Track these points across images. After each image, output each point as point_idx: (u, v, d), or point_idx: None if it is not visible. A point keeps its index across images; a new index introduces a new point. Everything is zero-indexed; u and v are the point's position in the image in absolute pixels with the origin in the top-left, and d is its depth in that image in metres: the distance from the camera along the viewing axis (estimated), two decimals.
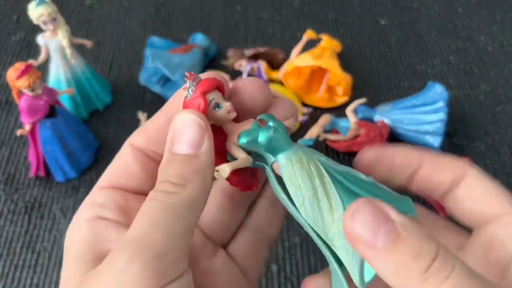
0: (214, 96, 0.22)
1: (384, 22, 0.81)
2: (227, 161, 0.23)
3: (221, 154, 0.23)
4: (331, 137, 0.62)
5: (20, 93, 0.52)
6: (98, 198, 0.22)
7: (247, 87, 0.24)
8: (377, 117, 0.62)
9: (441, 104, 0.60)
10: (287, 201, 0.22)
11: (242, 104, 0.23)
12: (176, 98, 0.23)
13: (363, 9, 0.83)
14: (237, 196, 0.26)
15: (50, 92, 0.54)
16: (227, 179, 0.22)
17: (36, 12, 0.55)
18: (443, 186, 0.24)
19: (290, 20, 0.80)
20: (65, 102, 0.62)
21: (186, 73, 0.23)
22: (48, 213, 0.56)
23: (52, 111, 0.55)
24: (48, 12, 0.55)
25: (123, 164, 0.23)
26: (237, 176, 0.23)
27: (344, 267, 0.21)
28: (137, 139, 0.23)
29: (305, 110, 0.66)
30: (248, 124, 0.23)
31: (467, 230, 0.24)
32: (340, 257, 0.21)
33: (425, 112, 0.60)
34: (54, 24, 0.56)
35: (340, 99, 0.67)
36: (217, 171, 0.22)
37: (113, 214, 0.22)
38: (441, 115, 0.59)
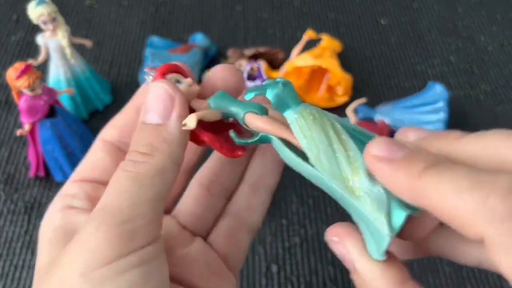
0: (173, 76, 0.23)
1: (384, 22, 0.81)
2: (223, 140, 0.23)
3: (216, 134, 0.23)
4: None
5: (20, 93, 0.52)
6: (70, 190, 0.23)
7: (217, 72, 0.24)
8: (377, 117, 0.62)
9: (441, 104, 0.60)
10: (296, 159, 0.21)
11: (214, 89, 0.23)
12: (144, 90, 0.23)
13: (363, 9, 0.83)
14: (213, 187, 0.26)
15: (50, 92, 0.54)
16: (210, 143, 0.22)
17: (35, 12, 0.55)
18: None
19: (290, 20, 0.80)
20: (65, 102, 0.62)
21: (146, 68, 0.23)
22: None
23: (52, 111, 0.55)
24: (47, 12, 0.55)
25: (94, 158, 0.24)
26: (219, 139, 0.23)
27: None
28: (108, 132, 0.24)
29: None
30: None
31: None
32: (363, 208, 0.19)
33: (425, 112, 0.60)
34: (53, 24, 0.56)
35: (340, 99, 0.67)
36: (184, 124, 0.21)
37: (83, 203, 0.22)
38: (442, 115, 0.59)
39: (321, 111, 0.22)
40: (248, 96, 0.22)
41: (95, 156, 0.24)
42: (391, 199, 0.19)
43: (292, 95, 0.22)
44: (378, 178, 0.18)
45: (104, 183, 0.23)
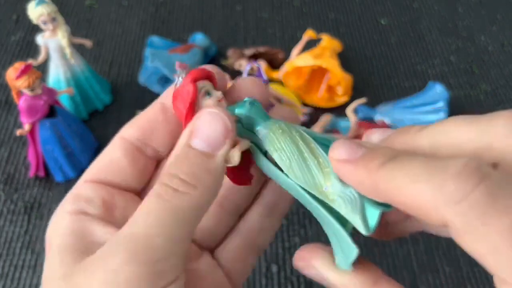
0: (205, 84, 0.22)
1: (384, 22, 0.81)
2: None
3: None
4: None
5: (20, 93, 0.52)
6: (83, 192, 0.21)
7: (246, 85, 0.23)
8: (377, 117, 0.62)
9: (441, 104, 0.60)
10: (275, 170, 0.22)
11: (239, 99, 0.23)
12: (171, 91, 0.22)
13: (364, 9, 0.83)
14: (226, 203, 0.25)
15: (50, 92, 0.54)
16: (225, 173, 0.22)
17: (35, 12, 0.55)
18: None
19: (290, 19, 0.80)
20: (65, 102, 0.62)
21: (177, 63, 0.22)
22: (47, 213, 0.56)
23: (52, 111, 0.55)
24: (47, 12, 0.55)
25: (111, 157, 0.22)
26: (232, 170, 0.22)
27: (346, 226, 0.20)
28: (128, 131, 0.22)
29: (305, 110, 0.66)
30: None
31: None
32: (338, 209, 0.20)
33: (425, 112, 0.60)
34: (53, 24, 0.56)
35: (340, 99, 0.67)
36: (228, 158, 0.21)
37: (97, 210, 0.21)
38: (442, 115, 0.59)
39: (289, 124, 0.22)
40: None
41: (112, 155, 0.22)
42: (363, 199, 0.19)
43: (260, 113, 0.22)
44: (344, 179, 0.19)
45: (119, 187, 0.22)
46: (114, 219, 0.21)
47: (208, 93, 0.22)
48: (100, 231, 0.20)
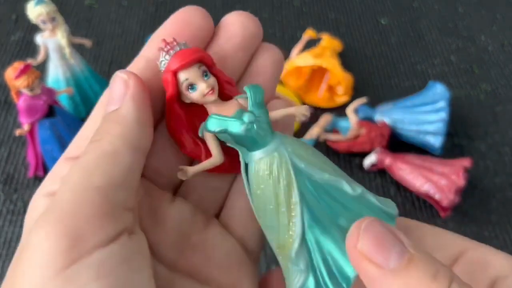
0: (189, 75, 0.20)
1: (384, 21, 0.81)
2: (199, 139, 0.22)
3: (195, 132, 0.22)
4: (332, 137, 0.61)
5: (19, 93, 0.52)
6: (61, 170, 0.20)
7: (236, 17, 0.22)
8: (377, 117, 0.61)
9: (442, 103, 0.60)
10: (248, 194, 0.21)
11: (232, 39, 0.22)
12: (154, 41, 0.22)
13: (364, 9, 0.83)
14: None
15: (49, 92, 0.54)
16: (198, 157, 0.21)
17: (35, 12, 0.55)
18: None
19: (290, 19, 0.80)
20: (64, 102, 0.61)
21: (162, 41, 0.20)
22: None
23: (51, 111, 0.55)
24: (47, 12, 0.55)
25: (91, 132, 0.21)
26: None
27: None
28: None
29: None
30: (232, 108, 0.21)
31: (463, 238, 0.22)
32: (284, 270, 0.20)
33: (426, 112, 0.60)
34: (53, 24, 0.56)
35: (341, 99, 0.67)
36: (181, 169, 0.21)
37: None
38: (442, 115, 0.59)
39: (287, 159, 0.20)
40: (209, 128, 0.21)
41: (95, 127, 0.21)
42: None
43: (260, 132, 0.20)
44: (361, 277, 0.17)
45: None
46: None
47: (191, 87, 0.20)
48: None
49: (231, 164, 0.22)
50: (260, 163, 0.20)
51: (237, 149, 0.21)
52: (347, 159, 0.61)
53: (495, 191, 0.59)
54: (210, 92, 0.20)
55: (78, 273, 0.16)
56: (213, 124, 0.20)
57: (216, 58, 0.22)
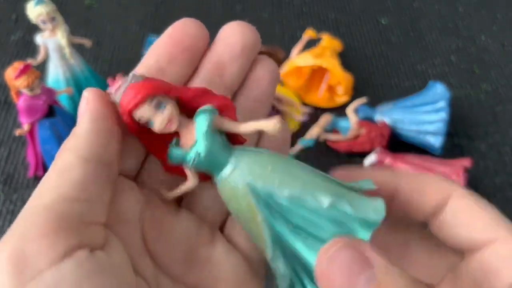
0: (143, 113, 0.19)
1: (384, 21, 0.81)
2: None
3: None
4: (332, 137, 0.61)
5: (19, 93, 0.52)
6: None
7: (235, 28, 0.23)
8: (377, 117, 0.61)
9: (442, 103, 0.60)
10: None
11: (231, 47, 0.22)
12: (153, 51, 0.23)
13: (364, 8, 0.83)
14: None
15: (49, 92, 0.54)
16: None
17: (34, 11, 0.55)
18: (427, 210, 0.22)
19: (290, 19, 0.80)
20: (64, 102, 0.61)
21: (109, 81, 0.20)
22: None
23: (51, 111, 0.55)
24: (46, 11, 0.55)
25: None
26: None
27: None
28: None
29: (305, 110, 0.66)
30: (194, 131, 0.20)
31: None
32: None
33: (426, 112, 0.60)
34: (53, 24, 0.56)
35: (341, 99, 0.67)
36: (161, 193, 0.21)
37: None
38: (443, 115, 0.59)
39: (244, 177, 0.19)
40: (170, 160, 0.21)
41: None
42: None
43: (215, 157, 0.20)
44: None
45: None
46: None
47: (148, 123, 0.20)
48: None
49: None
50: (221, 186, 0.20)
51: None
52: (347, 159, 0.61)
53: (495, 191, 0.59)
54: (168, 124, 0.20)
55: None
56: (172, 156, 0.21)
57: (214, 67, 0.22)
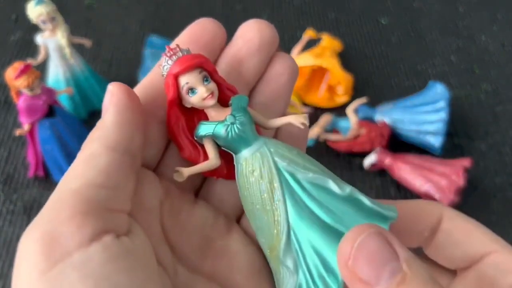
0: (190, 79, 0.21)
1: (384, 21, 0.81)
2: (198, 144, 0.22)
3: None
4: (332, 137, 0.61)
5: (19, 93, 0.52)
6: None
7: (254, 25, 0.23)
8: (377, 117, 0.61)
9: (442, 103, 0.60)
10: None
11: (249, 43, 0.23)
12: (157, 70, 0.23)
13: (364, 8, 0.83)
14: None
15: (49, 92, 0.54)
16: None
17: (35, 11, 0.55)
18: (423, 236, 0.22)
19: (290, 19, 0.80)
20: (64, 102, 0.61)
21: (166, 47, 0.21)
22: None
23: (51, 111, 0.55)
24: (47, 11, 0.55)
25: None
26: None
27: None
28: None
29: (305, 110, 0.66)
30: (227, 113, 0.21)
31: (493, 238, 0.22)
32: (273, 272, 0.21)
33: (426, 112, 0.60)
34: (53, 24, 0.56)
35: (341, 99, 0.67)
36: (177, 171, 0.21)
37: None
38: (442, 115, 0.59)
39: (269, 158, 0.20)
40: (196, 134, 0.22)
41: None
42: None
43: (243, 134, 0.21)
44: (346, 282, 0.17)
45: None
46: None
47: (191, 90, 0.21)
48: None
49: (230, 171, 0.22)
50: (244, 163, 0.21)
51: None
52: (347, 159, 0.61)
53: (495, 191, 0.59)
54: (209, 96, 0.21)
55: (61, 274, 0.16)
56: (200, 129, 0.21)
57: (232, 61, 0.23)
